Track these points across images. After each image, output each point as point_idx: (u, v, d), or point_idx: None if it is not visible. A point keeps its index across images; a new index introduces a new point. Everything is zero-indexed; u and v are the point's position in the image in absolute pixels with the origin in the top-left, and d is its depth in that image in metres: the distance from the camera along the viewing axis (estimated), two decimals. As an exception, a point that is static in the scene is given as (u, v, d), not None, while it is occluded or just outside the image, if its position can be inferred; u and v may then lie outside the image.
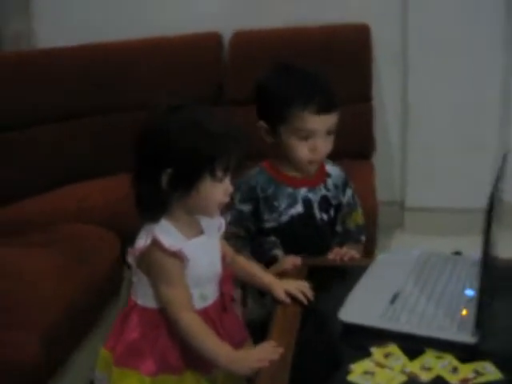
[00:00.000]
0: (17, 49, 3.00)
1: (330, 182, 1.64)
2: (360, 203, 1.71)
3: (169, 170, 1.20)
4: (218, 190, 1.24)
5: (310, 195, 1.61)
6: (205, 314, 1.27)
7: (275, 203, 1.58)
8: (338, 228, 1.67)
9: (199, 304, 1.28)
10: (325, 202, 1.63)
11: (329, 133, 1.53)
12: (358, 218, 1.71)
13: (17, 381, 1.58)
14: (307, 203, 1.60)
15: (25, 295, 1.82)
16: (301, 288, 1.35)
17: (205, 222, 1.32)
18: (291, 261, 1.53)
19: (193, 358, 1.25)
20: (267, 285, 1.39)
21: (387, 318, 1.22)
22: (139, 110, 2.57)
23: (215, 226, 1.34)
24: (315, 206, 1.61)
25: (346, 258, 1.55)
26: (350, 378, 1.08)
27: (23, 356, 1.61)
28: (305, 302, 1.33)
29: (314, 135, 1.51)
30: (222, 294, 1.32)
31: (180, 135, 1.21)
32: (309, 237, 1.62)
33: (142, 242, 1.23)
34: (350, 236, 1.69)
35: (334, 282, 1.51)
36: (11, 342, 1.63)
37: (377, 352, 1.15)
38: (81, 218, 2.34)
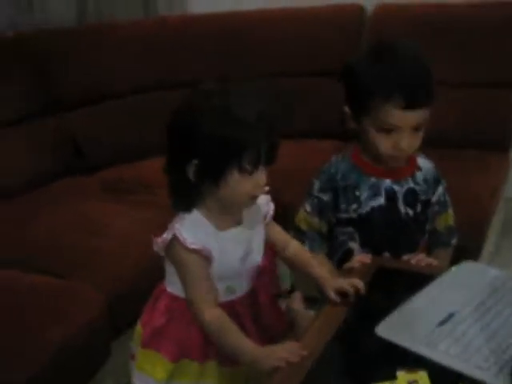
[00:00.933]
0: (170, 13, 3.09)
1: (419, 175, 1.50)
2: (449, 203, 1.56)
3: (195, 161, 1.15)
4: (247, 182, 1.16)
5: (395, 187, 1.48)
6: (230, 307, 1.24)
7: (356, 193, 1.48)
8: (429, 226, 1.54)
9: (225, 296, 1.25)
10: (411, 196, 1.49)
11: (417, 128, 1.38)
12: (449, 218, 1.57)
13: (83, 334, 1.65)
14: (391, 195, 1.48)
15: (110, 252, 1.90)
16: (354, 283, 1.25)
17: (248, 210, 1.25)
18: (360, 258, 1.42)
19: (216, 350, 1.23)
20: (318, 279, 1.29)
21: (426, 342, 1.09)
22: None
23: (259, 214, 1.28)
24: (400, 198, 1.48)
25: (422, 264, 1.41)
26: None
27: (92, 311, 1.69)
28: (352, 295, 1.24)
29: (397, 130, 1.37)
30: (253, 289, 1.27)
31: (206, 123, 1.13)
32: (390, 231, 1.49)
33: (165, 234, 1.20)
34: (439, 238, 1.57)
35: (396, 288, 1.37)
36: (82, 295, 1.71)
37: (402, 377, 1.03)
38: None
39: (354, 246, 1.51)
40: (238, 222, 1.25)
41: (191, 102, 1.19)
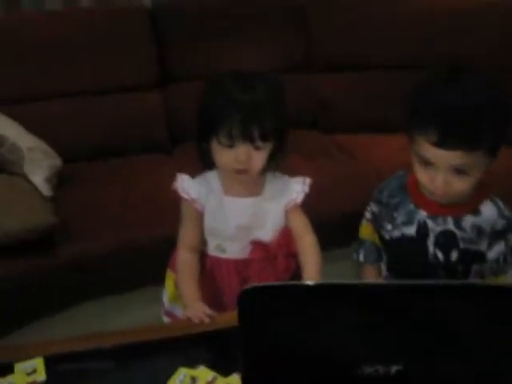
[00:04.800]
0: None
1: (469, 220, 1.32)
2: None
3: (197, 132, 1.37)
4: (227, 155, 1.32)
5: (430, 222, 1.34)
6: (217, 263, 1.43)
7: (394, 214, 1.38)
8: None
9: (215, 252, 1.43)
10: (446, 239, 1.32)
11: (459, 171, 1.23)
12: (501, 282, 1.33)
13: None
14: (422, 229, 1.34)
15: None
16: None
17: (275, 187, 1.41)
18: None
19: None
20: None
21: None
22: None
23: (285, 196, 1.41)
24: (430, 237, 1.34)
25: None
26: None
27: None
28: None
29: (434, 165, 1.24)
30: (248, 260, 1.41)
31: (202, 100, 1.35)
32: (415, 266, 1.38)
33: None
34: None
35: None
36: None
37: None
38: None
39: (382, 267, 1.47)
40: (254, 194, 1.40)
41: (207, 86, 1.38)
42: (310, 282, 1.02)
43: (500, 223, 1.31)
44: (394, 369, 0.86)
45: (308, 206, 1.44)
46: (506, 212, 1.32)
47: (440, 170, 1.23)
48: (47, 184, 1.95)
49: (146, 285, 1.87)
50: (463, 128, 1.19)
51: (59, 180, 2.14)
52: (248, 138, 1.31)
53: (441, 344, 0.85)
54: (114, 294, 1.87)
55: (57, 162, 2.11)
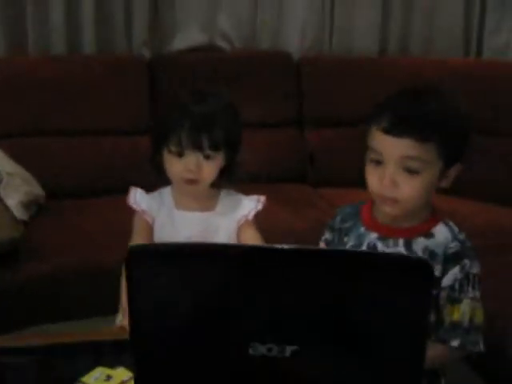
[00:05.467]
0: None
1: (421, 242, 1.25)
2: (471, 294, 1.22)
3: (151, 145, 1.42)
4: (176, 164, 1.36)
5: (380, 245, 1.28)
6: None
7: (345, 239, 1.34)
8: (433, 317, 1.22)
9: None
10: None
11: (409, 170, 1.19)
12: (457, 313, 1.21)
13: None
14: None
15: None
16: None
17: (227, 202, 1.43)
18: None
19: None
20: None
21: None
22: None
23: (238, 212, 1.43)
24: None
25: None
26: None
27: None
28: None
29: (384, 162, 1.21)
30: None
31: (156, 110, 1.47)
32: None
33: None
34: (433, 330, 1.22)
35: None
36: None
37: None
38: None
39: None
40: (206, 209, 1.42)
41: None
42: (194, 243, 1.00)
43: (453, 246, 1.24)
44: (289, 349, 0.83)
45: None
46: (460, 235, 1.26)
47: (389, 164, 1.20)
48: (22, 208, 1.99)
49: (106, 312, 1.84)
50: (413, 117, 1.19)
51: (40, 210, 2.18)
52: (197, 146, 1.34)
53: (336, 324, 0.82)
54: (71, 319, 1.85)
55: (36, 190, 2.15)
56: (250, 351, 0.82)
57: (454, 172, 1.24)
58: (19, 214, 1.96)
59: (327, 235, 1.42)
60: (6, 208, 1.85)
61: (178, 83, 2.56)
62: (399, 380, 0.85)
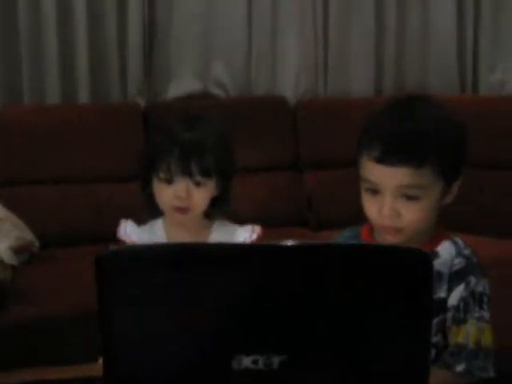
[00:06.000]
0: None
1: None
2: (478, 314, 1.13)
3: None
4: (166, 191, 1.32)
5: None
6: None
7: None
8: (435, 338, 1.13)
9: None
10: None
11: (410, 196, 1.12)
12: (462, 335, 1.13)
13: None
14: None
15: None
16: None
17: (220, 234, 1.37)
18: None
19: None
20: None
21: None
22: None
23: (232, 240, 1.36)
24: None
25: None
26: None
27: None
28: None
29: (381, 191, 1.13)
30: None
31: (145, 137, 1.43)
32: None
33: None
34: (444, 356, 1.14)
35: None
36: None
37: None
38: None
39: None
40: (198, 240, 1.34)
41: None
42: (174, 244, 0.94)
43: (458, 262, 1.16)
44: (276, 360, 0.75)
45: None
46: (466, 251, 1.18)
47: (387, 194, 1.12)
48: (11, 253, 1.95)
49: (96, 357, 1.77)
50: (404, 142, 1.11)
51: (32, 258, 2.14)
52: (186, 173, 1.31)
53: (329, 330, 0.74)
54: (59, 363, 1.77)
55: (28, 236, 2.10)
56: (233, 365, 0.74)
57: (456, 186, 1.18)
58: (8, 258, 1.91)
59: None
60: (-5, 254, 1.81)
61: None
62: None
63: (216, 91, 2.79)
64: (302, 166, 2.73)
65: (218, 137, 1.37)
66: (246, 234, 1.39)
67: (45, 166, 2.46)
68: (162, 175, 1.31)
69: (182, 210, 1.32)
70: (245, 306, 0.74)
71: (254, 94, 2.82)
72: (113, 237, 2.40)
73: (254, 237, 1.39)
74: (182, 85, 2.72)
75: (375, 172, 1.12)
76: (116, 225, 2.43)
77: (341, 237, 1.33)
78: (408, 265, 0.72)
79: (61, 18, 2.54)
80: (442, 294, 1.15)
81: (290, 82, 2.81)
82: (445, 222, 1.22)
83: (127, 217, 2.42)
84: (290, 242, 0.74)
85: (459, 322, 1.13)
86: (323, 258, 0.73)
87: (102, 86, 2.65)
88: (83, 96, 2.62)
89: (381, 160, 1.11)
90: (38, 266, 2.11)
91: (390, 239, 1.16)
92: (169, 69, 2.72)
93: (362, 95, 2.84)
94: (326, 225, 2.58)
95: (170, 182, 1.31)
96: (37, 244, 2.19)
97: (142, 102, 2.69)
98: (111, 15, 2.61)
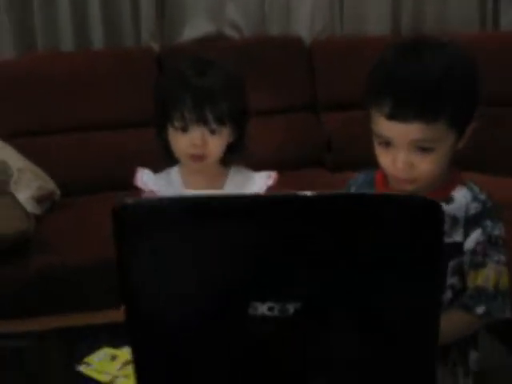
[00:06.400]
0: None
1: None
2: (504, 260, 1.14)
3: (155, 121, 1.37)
4: (182, 139, 1.31)
5: None
6: None
7: None
8: (452, 280, 1.16)
9: None
10: None
11: (423, 148, 1.11)
12: (481, 278, 1.14)
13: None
14: None
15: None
16: None
17: (238, 179, 1.38)
18: None
19: None
20: None
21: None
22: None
23: (247, 189, 1.37)
24: None
25: None
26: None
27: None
28: None
29: (394, 144, 1.12)
30: None
31: (156, 84, 1.39)
32: None
33: None
34: (462, 299, 1.16)
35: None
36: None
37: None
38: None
39: None
40: (215, 187, 1.36)
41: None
42: (190, 197, 0.94)
43: (473, 207, 1.16)
44: (291, 308, 0.77)
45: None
46: (482, 196, 1.18)
47: (400, 148, 1.10)
48: (33, 202, 1.97)
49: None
50: (416, 97, 1.07)
51: (54, 206, 2.16)
52: (201, 121, 1.30)
53: (341, 279, 0.76)
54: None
55: (49, 185, 2.13)
56: (250, 311, 0.76)
57: (469, 131, 1.16)
58: (31, 208, 1.94)
59: None
60: (17, 202, 1.84)
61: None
62: (412, 348, 0.78)
63: (230, 33, 2.74)
64: (319, 107, 2.70)
65: (231, 82, 1.34)
66: (262, 181, 1.39)
67: (60, 113, 2.46)
68: (176, 124, 1.30)
69: (198, 158, 1.32)
70: (260, 255, 0.75)
71: (268, 34, 2.77)
72: (130, 180, 2.44)
73: (270, 182, 1.39)
74: (195, 27, 2.69)
75: (387, 127, 1.10)
76: (134, 170, 2.47)
77: (355, 181, 1.33)
78: (415, 214, 0.72)
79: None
80: (458, 237, 1.15)
81: (306, 21, 2.75)
82: (459, 163, 1.21)
83: (144, 162, 2.46)
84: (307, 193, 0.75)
85: (477, 265, 1.14)
86: (335, 209, 0.74)
87: (115, 31, 2.62)
88: (97, 42, 2.60)
89: (392, 116, 1.08)
90: (60, 214, 2.14)
91: (404, 187, 1.16)
92: (182, 12, 2.68)
93: (378, 33, 2.77)
94: (344, 166, 2.58)
95: (184, 130, 1.30)
96: (58, 192, 2.22)
97: (155, 46, 2.66)
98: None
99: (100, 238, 1.97)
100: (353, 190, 1.32)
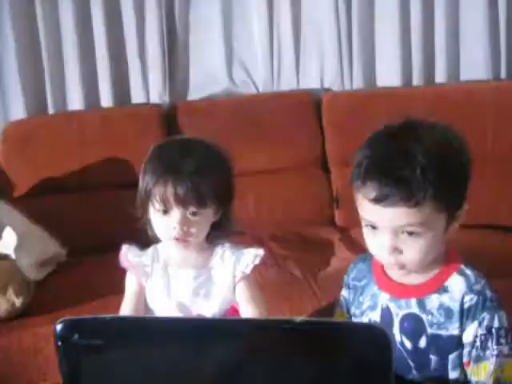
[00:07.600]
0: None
1: (435, 300, 1.14)
2: (497, 351, 1.10)
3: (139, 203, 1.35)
4: (162, 222, 1.30)
5: (392, 306, 1.18)
6: None
7: (361, 298, 1.24)
8: (454, 374, 1.14)
9: None
10: (410, 325, 1.15)
11: (410, 232, 1.08)
12: (483, 373, 1.11)
13: None
14: (386, 315, 1.18)
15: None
16: None
17: (225, 257, 1.36)
18: None
19: None
20: None
21: None
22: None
23: (230, 267, 1.35)
24: (395, 322, 1.17)
25: None
26: None
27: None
28: None
29: (378, 228, 1.10)
30: None
31: (143, 165, 1.35)
32: None
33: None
34: None
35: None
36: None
37: None
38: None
39: None
40: (200, 265, 1.36)
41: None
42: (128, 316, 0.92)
43: (468, 299, 1.12)
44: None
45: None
46: (477, 285, 1.13)
47: (386, 232, 1.08)
48: (36, 269, 1.97)
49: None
50: (401, 181, 1.06)
51: (59, 266, 2.17)
52: (181, 203, 1.27)
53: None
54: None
55: (53, 248, 2.13)
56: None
57: (462, 213, 1.13)
58: (33, 274, 1.94)
59: (344, 292, 1.32)
60: (18, 271, 1.84)
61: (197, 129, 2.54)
62: None
63: (239, 90, 2.75)
64: (328, 163, 2.66)
65: (215, 162, 1.32)
66: (249, 259, 1.36)
67: (69, 173, 2.48)
68: (157, 205, 1.28)
69: (180, 241, 1.30)
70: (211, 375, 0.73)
71: (277, 90, 2.77)
72: (141, 241, 2.44)
73: (257, 261, 1.36)
74: (203, 86, 2.71)
75: (372, 213, 1.09)
76: (144, 229, 2.47)
77: (353, 267, 1.31)
78: (368, 343, 0.69)
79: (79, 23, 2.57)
80: (454, 331, 1.13)
81: (315, 77, 2.75)
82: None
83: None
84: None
85: (477, 359, 1.11)
86: (291, 334, 0.71)
87: (123, 91, 2.65)
88: (106, 101, 2.64)
89: (376, 201, 1.07)
90: (63, 277, 2.13)
91: (398, 272, 1.15)
92: (190, 71, 2.71)
93: (389, 85, 2.74)
94: (353, 223, 2.53)
95: (165, 212, 1.29)
96: (64, 253, 2.21)
97: (164, 104, 2.68)
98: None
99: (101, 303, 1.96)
100: (351, 277, 1.30)
